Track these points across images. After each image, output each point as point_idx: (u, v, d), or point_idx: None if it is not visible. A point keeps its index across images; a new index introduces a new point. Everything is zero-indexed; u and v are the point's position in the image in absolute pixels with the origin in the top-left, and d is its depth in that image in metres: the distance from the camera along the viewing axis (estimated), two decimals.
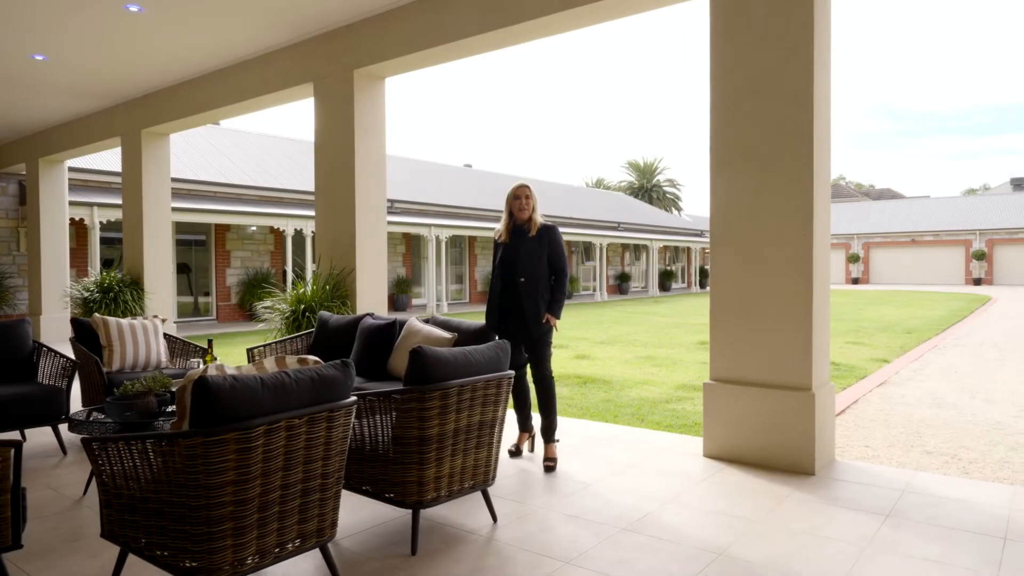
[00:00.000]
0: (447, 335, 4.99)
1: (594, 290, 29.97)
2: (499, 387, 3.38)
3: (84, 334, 5.62)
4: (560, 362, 9.95)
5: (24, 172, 13.71)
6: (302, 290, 6.86)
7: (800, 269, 4.42)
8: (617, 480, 4.28)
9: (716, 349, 4.77)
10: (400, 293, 21.67)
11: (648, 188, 56.72)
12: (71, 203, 13.57)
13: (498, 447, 3.49)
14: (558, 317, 4.62)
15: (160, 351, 5.72)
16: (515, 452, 4.80)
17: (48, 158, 12.42)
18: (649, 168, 57.57)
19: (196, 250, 17.86)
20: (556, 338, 13.07)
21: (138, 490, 2.57)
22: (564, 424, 5.78)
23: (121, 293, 9.65)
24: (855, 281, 45.59)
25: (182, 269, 17.66)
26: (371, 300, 7.08)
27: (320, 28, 7.14)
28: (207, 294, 17.98)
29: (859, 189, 74.00)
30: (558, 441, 4.73)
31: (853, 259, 45.55)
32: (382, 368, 5.14)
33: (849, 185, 75.23)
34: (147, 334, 5.66)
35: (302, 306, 6.71)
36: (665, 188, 57.37)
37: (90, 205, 13.83)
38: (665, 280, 35.40)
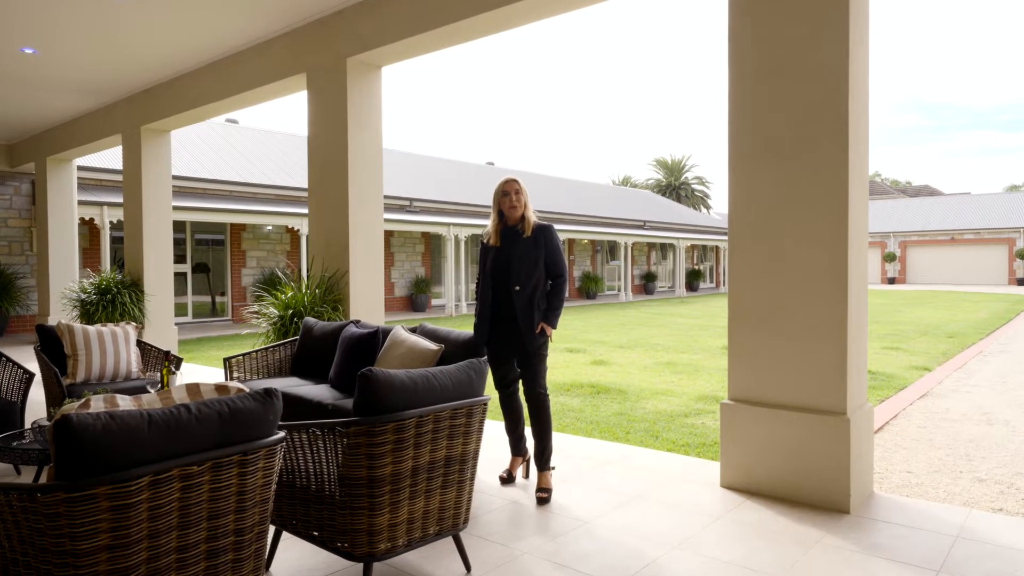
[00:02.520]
0: (434, 347, 4.48)
1: (619, 290, 29.28)
2: (470, 416, 2.86)
3: (50, 342, 5.23)
4: (575, 368, 9.40)
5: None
6: (290, 293, 6.42)
7: (833, 273, 3.83)
8: (620, 516, 3.73)
9: (735, 365, 4.19)
10: (419, 293, 21.28)
11: (676, 186, 55.68)
12: (81, 203, 13.37)
13: (471, 485, 2.96)
14: (554, 327, 4.09)
15: (131, 360, 5.31)
16: (507, 479, 4.27)
17: (55, 157, 12.21)
18: (677, 166, 56.51)
19: (215, 250, 17.66)
20: (574, 342, 12.51)
21: (9, 550, 2.11)
22: (567, 443, 5.24)
23: (119, 295, 9.32)
24: (891, 281, 44.14)
25: (201, 269, 17.48)
26: (366, 305, 6.61)
27: (312, 15, 6.68)
28: (223, 294, 17.76)
29: (895, 186, 71.99)
30: (554, 468, 4.19)
31: (889, 258, 44.09)
32: None
33: (885, 182, 73.22)
34: (117, 342, 5.25)
35: (290, 311, 6.26)
36: (694, 186, 56.27)
37: (100, 204, 13.61)
38: (693, 280, 34.52)
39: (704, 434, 5.74)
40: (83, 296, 9.35)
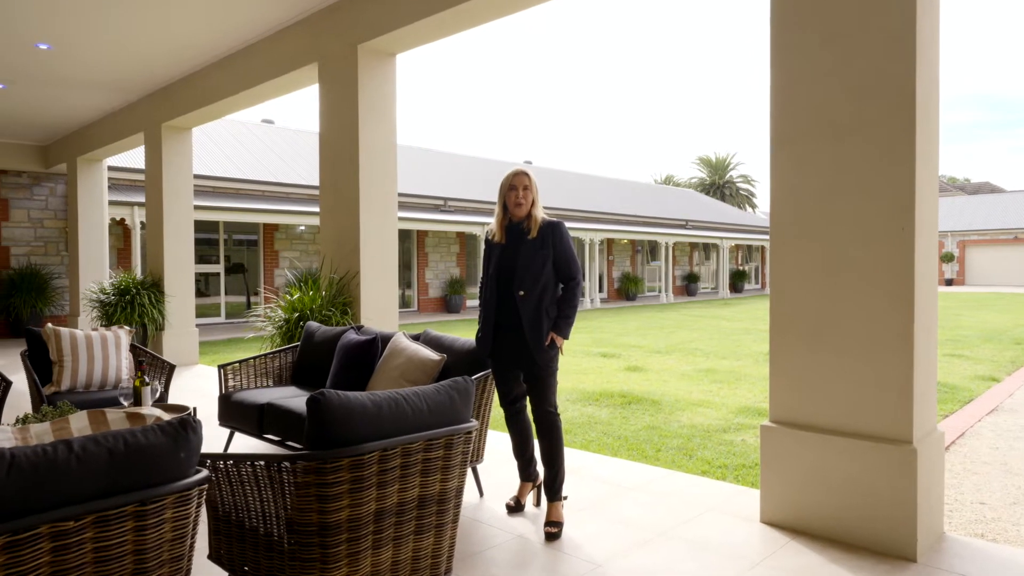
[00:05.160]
0: (436, 356, 4.03)
1: (659, 291, 28.48)
2: (450, 448, 2.38)
3: (38, 347, 4.94)
4: (607, 375, 8.85)
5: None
6: (297, 295, 6.04)
7: (896, 275, 3.24)
8: (639, 558, 3.20)
9: (777, 382, 3.62)
10: (453, 294, 20.92)
11: (720, 185, 54.31)
12: (113, 203, 13.36)
13: (453, 528, 2.48)
14: (566, 337, 3.58)
15: (121, 367, 4.98)
16: (514, 507, 3.78)
17: (85, 157, 12.18)
18: (721, 164, 55.11)
19: (250, 250, 17.63)
20: (608, 346, 11.93)
21: None
22: (587, 463, 4.72)
23: (138, 296, 9.12)
24: (949, 283, 42.17)
25: (237, 269, 17.48)
26: (377, 308, 6.19)
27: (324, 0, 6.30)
28: (257, 294, 17.69)
29: (953, 183, 69.07)
30: (566, 498, 3.68)
31: (947, 258, 42.13)
32: None
33: (942, 179, 70.35)
34: (106, 348, 4.93)
35: (296, 314, 5.89)
36: (739, 184, 54.81)
37: (131, 205, 13.59)
38: (737, 281, 33.44)
39: (744, 453, 5.16)
40: (102, 297, 9.19)
